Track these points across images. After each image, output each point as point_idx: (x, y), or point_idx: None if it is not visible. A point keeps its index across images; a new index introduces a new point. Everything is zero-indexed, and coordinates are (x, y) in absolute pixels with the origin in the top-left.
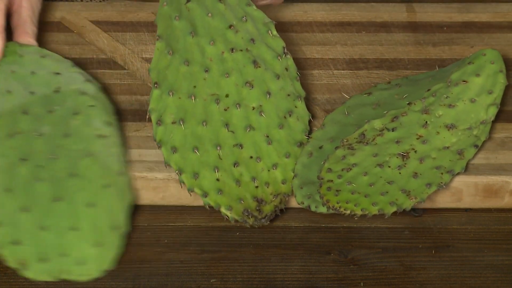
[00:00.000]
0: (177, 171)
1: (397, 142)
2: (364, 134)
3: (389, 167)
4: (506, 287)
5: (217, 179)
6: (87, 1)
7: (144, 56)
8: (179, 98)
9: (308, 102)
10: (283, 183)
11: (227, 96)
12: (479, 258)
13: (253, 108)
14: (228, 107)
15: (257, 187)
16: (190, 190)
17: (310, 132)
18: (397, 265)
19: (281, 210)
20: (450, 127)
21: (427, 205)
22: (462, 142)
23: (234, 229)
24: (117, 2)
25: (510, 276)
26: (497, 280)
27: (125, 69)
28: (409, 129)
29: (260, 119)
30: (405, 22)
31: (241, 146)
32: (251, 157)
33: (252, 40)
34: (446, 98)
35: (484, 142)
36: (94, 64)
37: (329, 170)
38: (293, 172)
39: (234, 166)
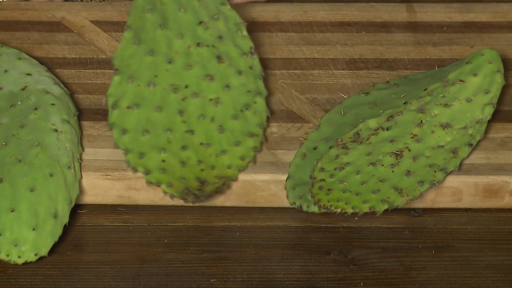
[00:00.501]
0: (123, 151)
1: (391, 141)
2: (358, 134)
3: (382, 165)
4: (506, 287)
5: (163, 160)
6: (87, 1)
7: None
8: (138, 85)
9: (302, 105)
10: (229, 168)
11: (186, 87)
12: (479, 258)
13: (210, 100)
14: (186, 97)
15: (202, 170)
16: (134, 170)
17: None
18: (397, 265)
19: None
20: (445, 126)
21: (427, 205)
22: (456, 141)
23: (235, 229)
24: (117, 2)
25: (510, 276)
26: (497, 280)
27: None
28: (404, 128)
29: (215, 109)
30: (405, 22)
31: (192, 132)
32: (201, 144)
33: (221, 37)
34: (443, 97)
35: (483, 141)
36: (94, 64)
37: (322, 169)
38: (245, 161)
39: (182, 150)
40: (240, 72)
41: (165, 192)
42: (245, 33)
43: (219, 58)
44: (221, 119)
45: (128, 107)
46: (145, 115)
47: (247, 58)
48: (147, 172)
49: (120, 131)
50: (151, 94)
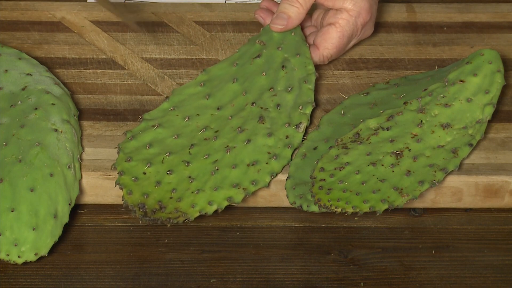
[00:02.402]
0: (118, 148)
1: (391, 141)
2: (358, 134)
3: (382, 165)
4: (506, 287)
5: (144, 173)
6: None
7: (144, 56)
8: (177, 115)
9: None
10: (192, 206)
11: (216, 131)
12: (479, 258)
13: (226, 147)
14: (208, 138)
15: (171, 198)
16: (114, 166)
17: (305, 134)
18: (397, 265)
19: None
20: (445, 126)
21: (427, 205)
22: (456, 141)
23: (235, 229)
24: (117, 2)
25: (510, 276)
26: (497, 280)
27: (125, 69)
28: (404, 128)
29: (224, 155)
30: (405, 22)
31: (188, 164)
32: (189, 177)
33: (279, 105)
34: (443, 97)
35: (484, 141)
36: (94, 64)
37: (322, 169)
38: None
39: (168, 173)
40: (270, 135)
41: (122, 198)
42: (307, 111)
43: (261, 118)
44: (222, 164)
45: (153, 126)
46: (162, 136)
47: (289, 128)
48: (121, 173)
49: (132, 136)
50: (181, 125)
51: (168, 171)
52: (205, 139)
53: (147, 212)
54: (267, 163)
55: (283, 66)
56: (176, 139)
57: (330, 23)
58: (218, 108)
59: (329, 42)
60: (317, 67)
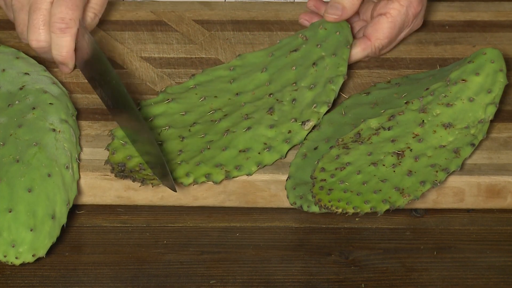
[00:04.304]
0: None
1: (393, 141)
2: (359, 134)
3: (384, 165)
4: None
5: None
6: None
7: (142, 55)
8: (196, 93)
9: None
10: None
11: (225, 115)
12: (481, 259)
13: (227, 130)
14: (214, 119)
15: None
16: (110, 132)
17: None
18: (399, 266)
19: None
20: (447, 126)
21: (429, 205)
22: (458, 141)
23: (234, 230)
24: (116, 1)
25: None
26: (500, 281)
27: (123, 68)
28: (405, 128)
29: (222, 138)
30: None
31: (183, 138)
32: (180, 151)
33: (294, 100)
34: (445, 97)
35: (486, 141)
36: None
37: (323, 169)
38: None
39: (158, 143)
40: (272, 126)
41: (107, 148)
42: (321, 110)
43: (270, 110)
44: (215, 145)
45: (167, 100)
46: (173, 111)
47: (295, 123)
48: (113, 138)
49: (141, 107)
50: (196, 104)
51: (160, 141)
52: (211, 120)
53: (125, 170)
54: (259, 153)
55: (313, 64)
56: (184, 116)
57: (380, 13)
58: (237, 94)
59: (380, 32)
60: (350, 66)
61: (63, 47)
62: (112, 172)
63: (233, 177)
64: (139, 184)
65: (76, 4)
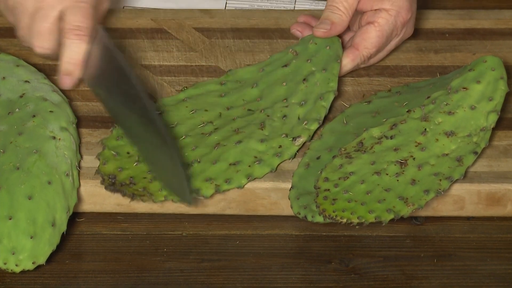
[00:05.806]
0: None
1: (395, 149)
2: (362, 143)
3: (387, 174)
4: None
5: (128, 152)
6: None
7: (143, 63)
8: (186, 106)
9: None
10: (160, 190)
11: (216, 129)
12: (481, 267)
13: (217, 144)
14: (205, 133)
15: (144, 178)
16: (102, 141)
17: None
18: (399, 274)
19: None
20: (449, 134)
21: (429, 213)
22: (461, 149)
23: (234, 238)
24: (116, 9)
25: None
26: None
27: None
28: (408, 136)
29: (213, 151)
30: None
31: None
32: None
33: (285, 116)
34: (446, 105)
35: (486, 149)
36: None
37: (326, 179)
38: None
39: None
40: (263, 141)
41: (98, 158)
42: (311, 127)
43: (261, 125)
44: (205, 158)
45: (158, 111)
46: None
47: (286, 139)
48: (104, 147)
49: None
50: (186, 116)
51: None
52: (202, 133)
53: (115, 183)
54: (249, 166)
55: (304, 79)
56: (173, 128)
57: (369, 22)
58: (228, 108)
59: (368, 41)
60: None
61: (77, 54)
62: (102, 184)
63: (223, 191)
64: (129, 199)
65: (91, 14)
